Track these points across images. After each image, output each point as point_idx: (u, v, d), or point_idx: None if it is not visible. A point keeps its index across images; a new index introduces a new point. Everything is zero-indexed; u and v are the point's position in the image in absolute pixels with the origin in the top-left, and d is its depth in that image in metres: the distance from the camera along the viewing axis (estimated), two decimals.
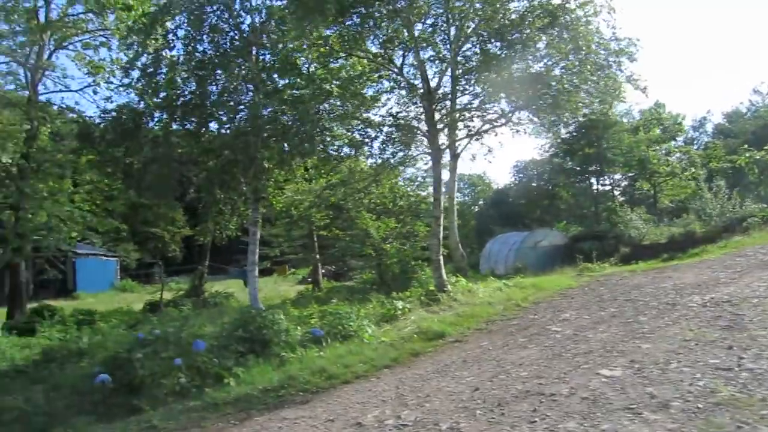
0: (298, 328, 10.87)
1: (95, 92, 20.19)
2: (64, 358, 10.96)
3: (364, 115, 16.10)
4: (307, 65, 15.91)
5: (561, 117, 15.15)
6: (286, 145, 14.76)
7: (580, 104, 14.66)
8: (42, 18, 18.93)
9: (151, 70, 13.57)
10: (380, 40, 15.02)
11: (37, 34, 17.68)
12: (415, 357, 9.46)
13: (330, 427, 6.49)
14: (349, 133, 16.37)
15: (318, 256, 24.79)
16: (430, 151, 15.73)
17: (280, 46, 14.94)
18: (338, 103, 15.73)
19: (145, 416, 7.58)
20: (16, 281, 19.75)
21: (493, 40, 13.46)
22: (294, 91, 14.72)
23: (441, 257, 15.08)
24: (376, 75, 16.45)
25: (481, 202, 53.76)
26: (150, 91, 13.64)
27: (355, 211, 19.58)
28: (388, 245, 18.35)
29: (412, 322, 11.79)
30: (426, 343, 10.17)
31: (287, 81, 15.18)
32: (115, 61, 20.21)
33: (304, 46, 15.06)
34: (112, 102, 20.91)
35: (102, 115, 15.05)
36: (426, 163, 20.30)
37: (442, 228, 15.52)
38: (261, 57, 14.30)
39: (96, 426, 7.45)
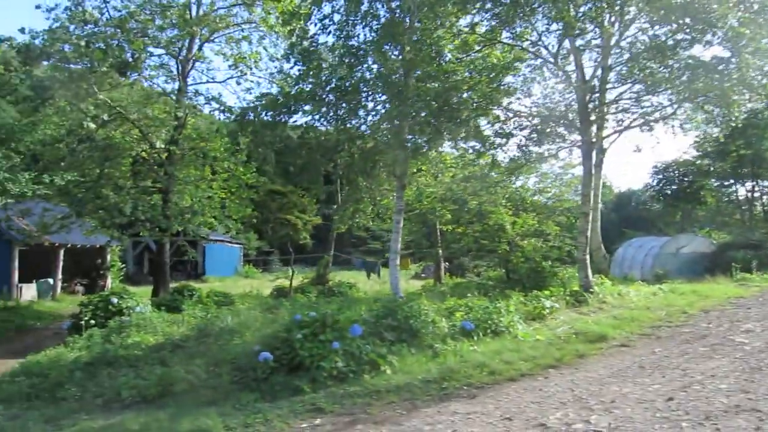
0: (443, 320, 10.56)
1: (238, 83, 21.18)
2: (217, 335, 11.26)
3: (510, 105, 15.45)
4: (444, 56, 15.51)
5: (733, 111, 13.60)
6: (428, 131, 14.45)
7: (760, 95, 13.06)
8: (194, 12, 20.09)
9: (306, 54, 13.77)
10: (531, 25, 14.24)
11: (193, 26, 18.66)
12: (580, 358, 8.85)
13: (509, 425, 6.09)
14: (490, 125, 15.81)
15: (441, 251, 24.39)
16: (579, 144, 14.83)
17: (425, 32, 14.66)
18: (474, 96, 15.20)
19: (307, 397, 7.52)
20: (161, 261, 21.01)
21: (672, 22, 11.98)
22: (432, 84, 14.41)
23: (587, 256, 14.16)
24: (520, 63, 15.71)
25: (601, 206, 51.15)
26: (308, 75, 13.83)
27: (487, 206, 18.89)
28: (525, 242, 17.61)
29: (563, 322, 11.16)
30: (588, 345, 9.50)
31: (428, 69, 14.88)
32: (252, 55, 21.05)
33: (440, 32, 14.56)
34: (251, 93, 21.78)
35: (255, 101, 15.58)
36: (563, 159, 19.41)
37: (590, 225, 14.59)
38: (414, 42, 14.07)
39: (262, 403, 7.46)
